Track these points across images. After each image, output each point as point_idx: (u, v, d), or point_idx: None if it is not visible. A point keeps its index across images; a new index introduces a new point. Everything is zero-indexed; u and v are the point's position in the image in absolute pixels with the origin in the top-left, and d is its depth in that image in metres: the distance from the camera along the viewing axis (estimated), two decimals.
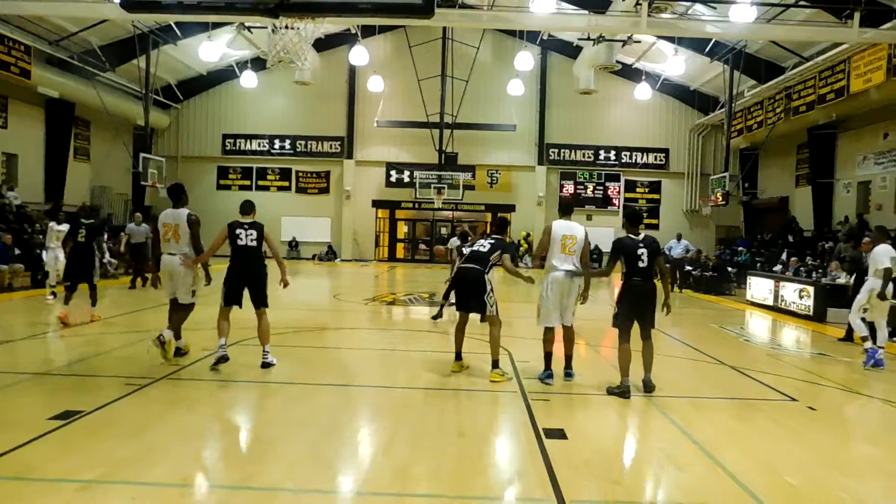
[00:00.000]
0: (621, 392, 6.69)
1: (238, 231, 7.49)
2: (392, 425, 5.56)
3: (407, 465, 4.62)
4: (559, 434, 5.36)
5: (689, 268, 20.72)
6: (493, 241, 7.51)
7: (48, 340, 9.15)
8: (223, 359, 7.26)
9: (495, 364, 7.16)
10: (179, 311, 7.78)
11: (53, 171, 22.52)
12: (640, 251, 6.76)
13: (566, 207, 7.51)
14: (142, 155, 23.59)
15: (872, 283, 9.16)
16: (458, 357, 7.56)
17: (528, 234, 29.65)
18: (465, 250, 10.84)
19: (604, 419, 6.02)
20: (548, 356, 7.28)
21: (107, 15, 17.58)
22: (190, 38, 24.19)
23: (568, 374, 7.30)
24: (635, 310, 6.82)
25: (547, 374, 7.22)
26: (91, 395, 6.01)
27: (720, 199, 24.32)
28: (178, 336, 7.85)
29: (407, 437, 5.25)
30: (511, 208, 30.27)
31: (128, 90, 25.16)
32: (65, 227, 12.59)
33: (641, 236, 6.88)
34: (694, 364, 8.90)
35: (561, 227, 7.14)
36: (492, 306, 7.23)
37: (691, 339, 10.78)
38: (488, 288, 7.24)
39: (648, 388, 6.83)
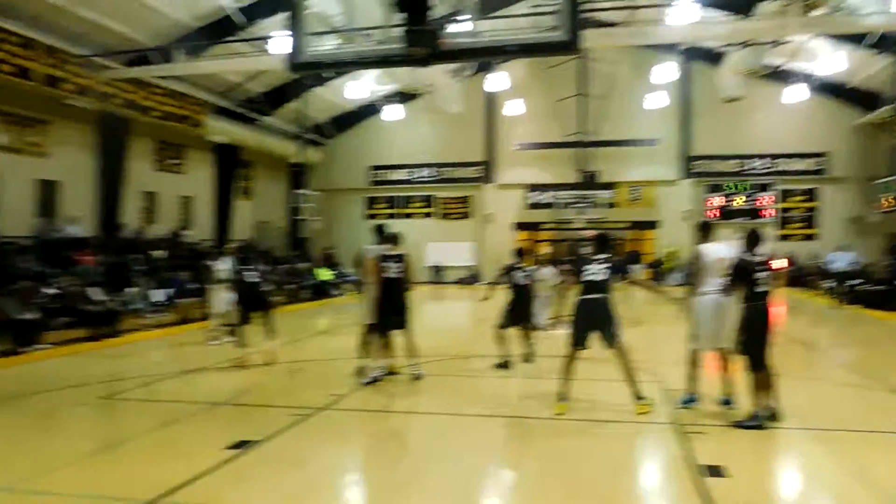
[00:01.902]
0: (766, 418, 6.29)
1: (386, 263, 8.31)
2: (541, 458, 5.58)
3: (558, 501, 4.62)
4: (719, 471, 5.12)
5: (855, 281, 18.92)
6: (607, 266, 6.95)
7: (220, 372, 10.00)
8: (376, 380, 8.25)
9: (638, 395, 6.87)
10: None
11: (222, 210, 24.71)
12: (759, 272, 6.41)
13: (709, 229, 7.23)
14: (298, 191, 25.28)
15: None
16: (564, 398, 6.99)
17: (674, 251, 28.59)
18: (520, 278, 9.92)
19: (767, 455, 5.71)
20: (693, 380, 7.03)
21: (268, 67, 19.19)
22: (339, 78, 25.72)
23: (727, 402, 6.92)
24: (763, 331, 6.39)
25: (690, 399, 7.00)
26: (261, 426, 6.52)
27: (889, 204, 22.14)
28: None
29: (557, 470, 5.25)
30: (655, 224, 29.35)
31: (285, 131, 27.13)
32: (224, 266, 12.35)
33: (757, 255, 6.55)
34: (866, 393, 8.16)
35: (711, 250, 6.96)
36: (620, 335, 6.91)
37: (862, 364, 9.91)
38: (616, 316, 6.93)
39: (772, 416, 6.39)
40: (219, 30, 18.85)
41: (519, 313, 9.49)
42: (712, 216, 28.13)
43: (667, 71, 23.55)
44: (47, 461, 5.62)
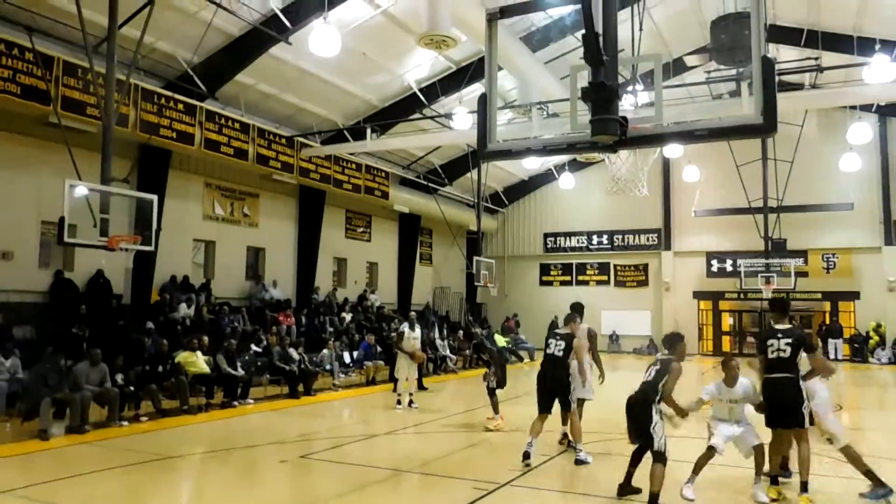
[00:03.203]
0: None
1: (549, 340, 8.41)
2: None
3: None
4: None
5: None
6: (789, 342, 6.39)
7: (402, 437, 10.40)
8: (526, 455, 7.87)
9: (804, 486, 6.23)
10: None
11: (404, 275, 26.09)
12: None
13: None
14: (475, 258, 26.04)
15: None
16: (775, 481, 6.63)
17: (879, 325, 25.84)
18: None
19: None
20: None
21: (448, 142, 20.34)
22: None
23: None
24: None
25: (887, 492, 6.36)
26: (446, 497, 6.70)
27: None
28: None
29: None
30: (854, 295, 26.78)
31: (461, 200, 28.26)
32: (418, 333, 12.95)
33: None
34: None
35: None
36: (805, 420, 6.33)
37: None
38: (804, 401, 6.33)
39: None
40: (404, 108, 20.34)
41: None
42: None
43: (862, 131, 21.68)
44: None
